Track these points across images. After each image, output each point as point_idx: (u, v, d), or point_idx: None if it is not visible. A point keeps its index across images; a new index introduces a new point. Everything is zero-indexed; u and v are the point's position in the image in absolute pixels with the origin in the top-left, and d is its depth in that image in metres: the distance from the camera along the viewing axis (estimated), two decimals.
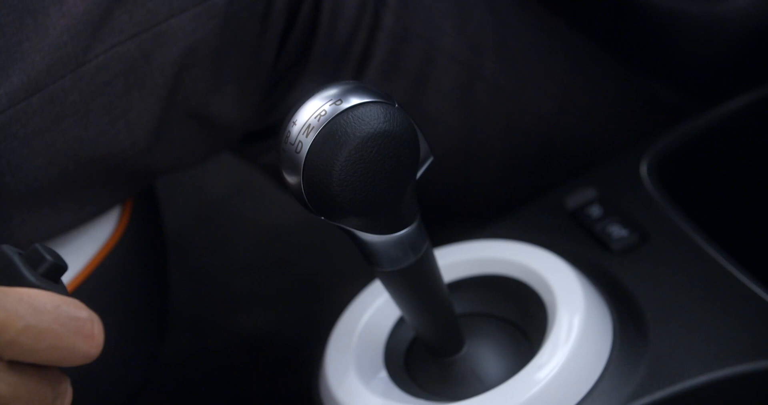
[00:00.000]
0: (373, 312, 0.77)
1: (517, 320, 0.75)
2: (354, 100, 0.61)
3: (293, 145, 0.61)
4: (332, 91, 0.61)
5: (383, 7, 0.86)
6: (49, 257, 0.58)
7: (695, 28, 0.94)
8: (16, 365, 0.56)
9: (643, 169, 0.84)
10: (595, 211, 0.82)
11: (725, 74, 0.96)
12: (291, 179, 0.62)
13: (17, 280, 0.57)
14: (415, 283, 0.68)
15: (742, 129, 0.89)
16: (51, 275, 0.58)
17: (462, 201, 0.93)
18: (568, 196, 0.83)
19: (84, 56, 0.74)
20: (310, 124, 0.61)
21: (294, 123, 0.61)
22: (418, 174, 0.64)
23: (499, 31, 0.90)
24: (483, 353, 0.73)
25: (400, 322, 0.78)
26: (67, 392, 0.59)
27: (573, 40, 0.95)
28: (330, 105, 0.61)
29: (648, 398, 0.70)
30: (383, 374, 0.74)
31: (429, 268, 0.68)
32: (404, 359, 0.76)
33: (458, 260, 0.78)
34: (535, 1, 0.94)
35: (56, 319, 0.56)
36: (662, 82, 0.98)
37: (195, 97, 0.80)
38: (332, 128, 0.60)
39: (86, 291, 0.81)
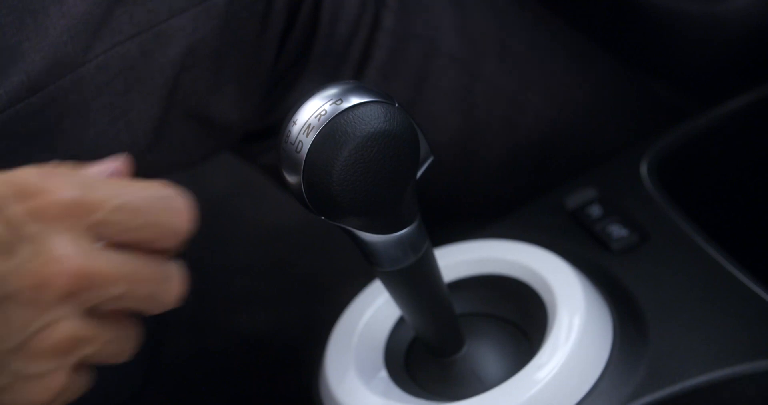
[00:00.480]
0: (373, 312, 0.77)
1: (517, 320, 0.75)
2: (354, 100, 0.61)
3: (293, 144, 0.61)
4: (332, 91, 0.61)
5: (383, 8, 0.86)
6: None
7: (695, 28, 0.94)
8: (116, 245, 0.56)
9: (643, 169, 0.84)
10: (595, 210, 0.82)
11: (725, 74, 0.96)
12: (291, 179, 0.62)
13: None
14: (415, 283, 0.68)
15: (742, 129, 0.89)
16: None
17: (462, 201, 0.93)
18: (568, 195, 0.83)
19: (84, 56, 0.74)
20: (310, 124, 0.61)
21: (294, 123, 0.61)
22: (419, 174, 0.64)
23: (499, 32, 0.90)
24: (483, 353, 0.73)
25: (400, 322, 0.78)
26: (177, 277, 0.59)
27: (573, 41, 0.95)
28: (330, 105, 0.61)
29: (648, 398, 0.70)
30: (383, 374, 0.74)
31: (429, 268, 0.68)
32: (404, 359, 0.76)
33: (458, 260, 0.78)
34: (535, 1, 0.94)
35: (146, 196, 0.57)
36: (662, 82, 0.98)
37: (195, 97, 0.80)
38: (332, 128, 0.60)
39: None
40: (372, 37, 0.85)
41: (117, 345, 0.59)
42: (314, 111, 0.61)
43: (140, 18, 0.76)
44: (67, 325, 0.56)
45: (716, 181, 0.90)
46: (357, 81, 0.63)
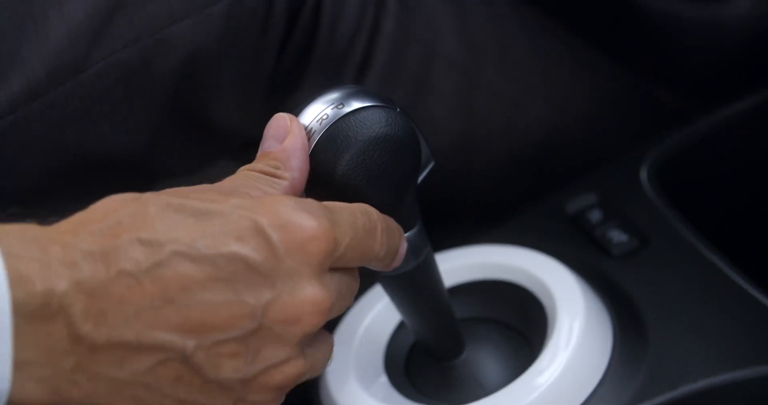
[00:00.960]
0: (374, 316, 0.77)
1: (517, 325, 0.75)
2: (356, 104, 0.61)
3: None
4: (334, 95, 0.61)
5: (383, 12, 0.86)
6: None
7: (696, 32, 0.93)
8: (336, 271, 0.58)
9: (643, 174, 0.84)
10: (596, 215, 0.82)
11: (725, 78, 0.95)
12: None
13: None
14: (415, 287, 0.68)
15: (742, 133, 0.89)
16: None
17: (462, 204, 0.93)
18: (568, 200, 0.83)
19: (84, 62, 0.74)
20: (311, 128, 0.61)
21: None
22: (420, 178, 0.64)
23: (500, 36, 0.90)
24: (483, 358, 0.73)
25: (400, 327, 0.78)
26: (357, 287, 0.61)
27: (573, 45, 0.95)
28: (332, 109, 0.61)
29: (648, 403, 0.70)
30: (383, 379, 0.74)
31: (430, 273, 0.68)
32: (404, 364, 0.76)
33: (459, 265, 0.78)
34: (535, 5, 0.94)
35: (367, 228, 0.58)
36: (663, 87, 0.98)
37: (195, 102, 0.80)
38: (334, 132, 0.60)
39: None
40: (372, 42, 0.85)
41: (317, 371, 0.60)
42: (316, 115, 0.61)
43: (140, 24, 0.75)
44: (298, 363, 0.57)
45: (716, 186, 0.90)
46: (358, 85, 0.63)
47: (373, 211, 0.60)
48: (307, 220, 0.55)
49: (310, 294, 0.55)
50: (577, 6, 0.94)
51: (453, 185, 0.91)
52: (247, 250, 0.54)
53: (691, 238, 0.78)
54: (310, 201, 0.57)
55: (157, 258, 0.53)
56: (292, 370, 0.56)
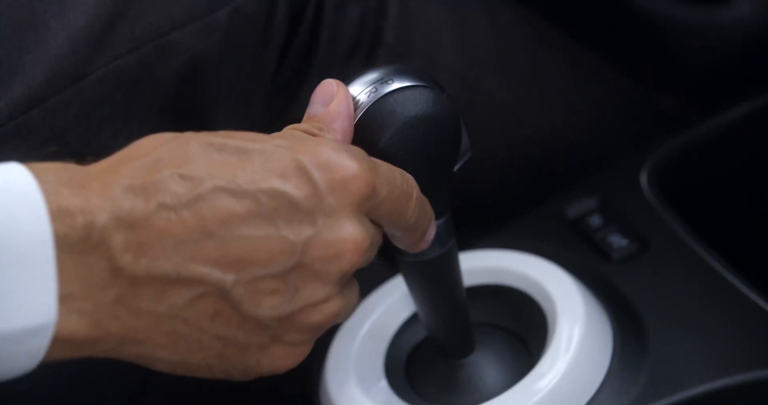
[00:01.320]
0: (374, 320, 0.78)
1: (517, 330, 0.75)
2: (405, 82, 0.62)
3: None
4: (384, 71, 0.62)
5: (384, 23, 0.86)
6: None
7: (696, 36, 0.94)
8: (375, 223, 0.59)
9: (643, 178, 0.84)
10: (596, 220, 0.82)
11: (726, 82, 0.96)
12: None
13: None
14: (437, 277, 0.68)
15: (742, 138, 0.89)
16: None
17: (461, 209, 0.93)
18: (568, 205, 0.83)
19: (85, 69, 0.74)
20: (359, 100, 0.62)
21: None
22: (456, 166, 0.65)
23: (500, 45, 0.90)
24: (484, 362, 0.74)
25: (401, 331, 0.78)
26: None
27: (573, 53, 0.95)
28: (381, 83, 0.62)
29: None
30: (383, 383, 0.75)
31: (452, 264, 0.69)
32: (405, 368, 0.76)
33: None
34: (535, 13, 0.94)
35: (404, 190, 0.59)
36: (663, 92, 0.98)
37: (195, 108, 0.80)
38: (381, 105, 0.61)
39: None
40: (372, 52, 0.86)
41: (348, 315, 0.61)
42: (364, 87, 0.62)
43: (141, 31, 0.75)
44: (336, 303, 0.57)
45: (716, 190, 0.90)
46: (407, 65, 0.64)
47: (411, 178, 0.60)
48: (348, 161, 0.56)
49: (350, 232, 0.56)
50: (577, 10, 0.94)
51: (452, 189, 0.91)
52: (289, 187, 0.54)
53: (691, 242, 0.78)
54: (352, 146, 0.58)
55: (197, 192, 0.53)
56: (330, 310, 0.57)
